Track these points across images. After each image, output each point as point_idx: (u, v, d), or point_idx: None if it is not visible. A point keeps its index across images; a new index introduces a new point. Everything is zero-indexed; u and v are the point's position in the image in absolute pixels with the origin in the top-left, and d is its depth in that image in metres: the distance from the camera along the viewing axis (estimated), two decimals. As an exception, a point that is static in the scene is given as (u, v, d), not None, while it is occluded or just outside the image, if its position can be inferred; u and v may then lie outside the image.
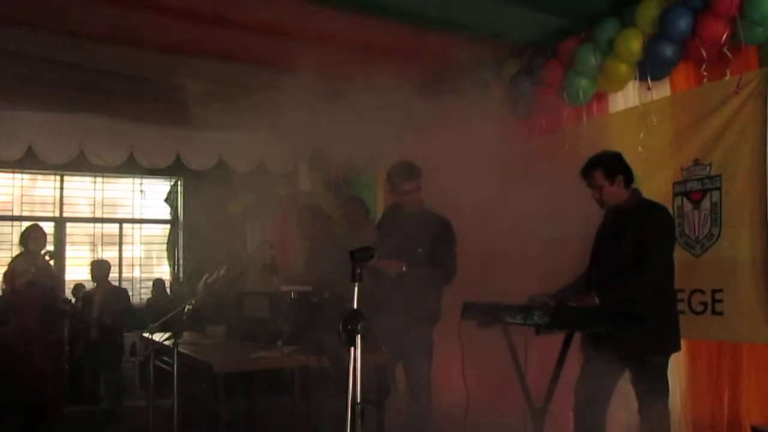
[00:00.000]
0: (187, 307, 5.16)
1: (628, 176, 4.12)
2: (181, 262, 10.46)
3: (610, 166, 4.09)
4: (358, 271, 2.32)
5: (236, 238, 9.39)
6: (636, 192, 4.16)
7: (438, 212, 5.04)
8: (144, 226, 10.88)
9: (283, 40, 5.18)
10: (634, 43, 4.50)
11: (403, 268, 4.54)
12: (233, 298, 5.02)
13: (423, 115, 5.59)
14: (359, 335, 2.22)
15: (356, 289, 2.30)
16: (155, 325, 5.10)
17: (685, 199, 4.51)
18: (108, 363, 7.86)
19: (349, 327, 2.21)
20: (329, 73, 5.27)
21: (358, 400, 2.24)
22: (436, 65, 5.30)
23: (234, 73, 5.91)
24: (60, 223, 10.22)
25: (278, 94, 5.05)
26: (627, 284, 3.89)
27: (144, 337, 5.28)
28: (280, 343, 4.36)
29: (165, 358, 4.75)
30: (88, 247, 10.50)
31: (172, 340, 4.31)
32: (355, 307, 2.27)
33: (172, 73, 5.58)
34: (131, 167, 8.20)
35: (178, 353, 4.32)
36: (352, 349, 2.22)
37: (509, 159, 5.40)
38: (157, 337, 5.04)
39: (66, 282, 9.67)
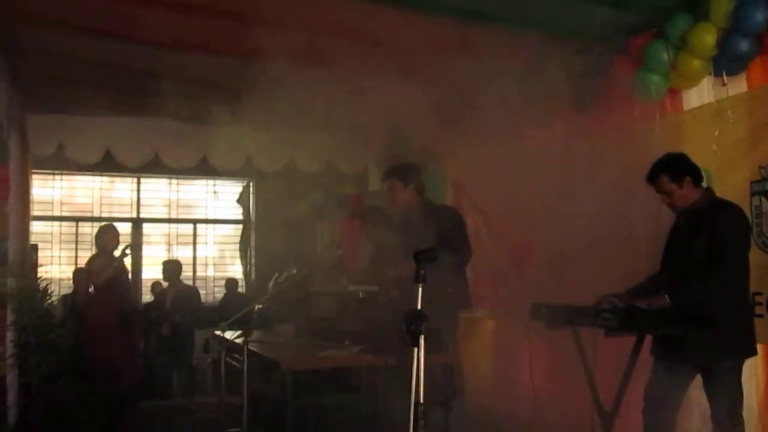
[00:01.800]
0: (257, 306, 5.27)
1: (697, 176, 4.01)
2: (253, 261, 10.66)
3: (675, 168, 3.99)
4: (422, 272, 2.33)
5: (306, 237, 9.52)
6: (708, 191, 4.05)
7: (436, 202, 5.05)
8: (217, 226, 11.14)
9: (354, 42, 5.22)
10: (707, 38, 4.37)
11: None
12: (302, 298, 5.09)
13: (490, 113, 5.57)
14: (422, 336, 2.23)
15: (420, 290, 2.31)
16: (226, 323, 5.22)
17: (763, 198, 4.35)
18: (179, 359, 8.09)
19: (413, 328, 2.23)
20: (403, 72, 5.34)
21: (421, 400, 2.25)
22: (505, 63, 5.24)
23: (306, 77, 5.99)
24: (137, 223, 10.56)
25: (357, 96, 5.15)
26: (699, 285, 3.78)
27: (216, 334, 5.40)
28: (347, 342, 4.40)
29: (236, 356, 4.85)
30: (163, 247, 10.82)
31: (243, 339, 4.41)
32: (419, 307, 2.28)
33: (242, 77, 5.70)
34: (204, 169, 8.40)
35: (248, 351, 4.42)
36: (415, 349, 2.24)
37: (579, 158, 5.34)
38: (229, 335, 5.17)
39: (143, 281, 10.00)
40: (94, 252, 7.14)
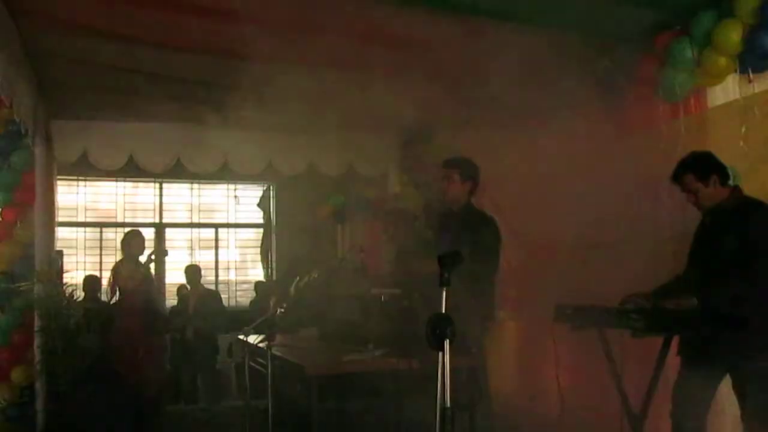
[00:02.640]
0: (279, 309, 5.28)
1: (723, 174, 3.95)
2: (274, 265, 10.68)
3: (701, 167, 3.93)
4: (446, 275, 2.31)
5: (327, 241, 9.53)
6: (736, 189, 3.98)
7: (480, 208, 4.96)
8: (239, 230, 11.18)
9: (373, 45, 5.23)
10: (733, 35, 4.32)
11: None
12: (325, 302, 5.08)
13: (514, 111, 5.55)
14: (447, 340, 2.21)
15: (444, 293, 2.29)
16: (250, 327, 5.23)
17: (791, 197, 4.28)
18: (203, 364, 8.12)
19: (437, 332, 2.21)
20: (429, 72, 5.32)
21: (447, 404, 2.23)
22: (529, 60, 5.22)
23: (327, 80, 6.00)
24: (160, 228, 10.62)
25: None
26: (731, 285, 3.72)
27: (240, 339, 5.41)
28: (371, 346, 4.39)
29: (260, 360, 4.85)
30: (186, 252, 10.88)
31: (266, 343, 4.41)
32: (443, 311, 2.26)
33: (268, 82, 5.74)
34: (226, 174, 8.43)
35: (272, 355, 4.42)
36: (441, 354, 2.21)
37: (604, 157, 5.29)
38: (252, 339, 5.18)
39: (166, 285, 10.06)
40: (119, 258, 7.21)
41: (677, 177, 4.01)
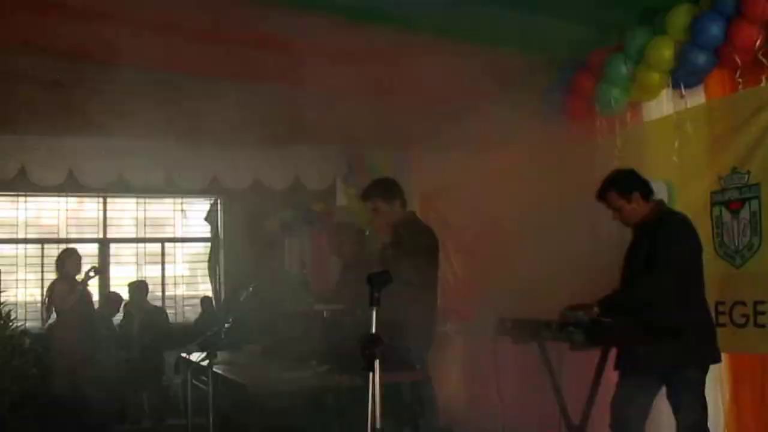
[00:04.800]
0: (225, 325, 5.23)
1: (646, 190, 4.05)
2: (222, 279, 10.55)
3: (622, 184, 4.04)
4: (376, 295, 2.30)
5: (275, 255, 9.45)
6: (659, 204, 4.09)
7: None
8: (186, 244, 11.02)
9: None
10: (665, 52, 4.42)
11: None
12: (268, 318, 5.04)
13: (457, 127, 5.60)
14: (377, 360, 2.20)
15: (374, 313, 2.28)
16: (193, 344, 5.17)
17: (723, 208, 4.39)
18: (148, 382, 7.97)
19: (367, 352, 2.20)
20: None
21: (378, 426, 2.22)
22: (469, 78, 5.28)
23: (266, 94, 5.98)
24: (104, 243, 10.40)
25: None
26: (628, 293, 3.82)
27: (183, 357, 5.33)
28: (314, 362, 4.36)
29: (203, 377, 4.78)
30: (133, 267, 10.66)
31: (208, 361, 4.35)
32: (373, 331, 2.25)
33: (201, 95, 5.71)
34: (172, 188, 8.34)
35: (215, 373, 4.36)
36: (371, 374, 2.20)
37: (543, 171, 5.37)
38: (195, 356, 5.11)
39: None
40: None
41: (602, 195, 4.10)
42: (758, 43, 3.94)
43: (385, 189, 4.81)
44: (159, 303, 9.94)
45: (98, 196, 10.18)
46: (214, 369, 4.40)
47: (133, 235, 10.70)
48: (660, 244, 3.83)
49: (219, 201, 10.65)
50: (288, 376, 4.22)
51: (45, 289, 7.12)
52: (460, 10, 4.55)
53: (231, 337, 5.39)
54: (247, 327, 5.38)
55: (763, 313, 4.10)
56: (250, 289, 5.38)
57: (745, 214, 4.25)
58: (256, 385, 4.08)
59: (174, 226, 10.92)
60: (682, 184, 4.48)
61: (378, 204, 4.76)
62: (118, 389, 7.88)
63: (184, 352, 5.29)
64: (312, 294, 4.87)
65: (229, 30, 4.80)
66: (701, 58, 4.25)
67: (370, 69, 5.36)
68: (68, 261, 6.63)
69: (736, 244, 4.28)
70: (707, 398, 3.90)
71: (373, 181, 4.94)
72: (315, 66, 5.25)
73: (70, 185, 7.82)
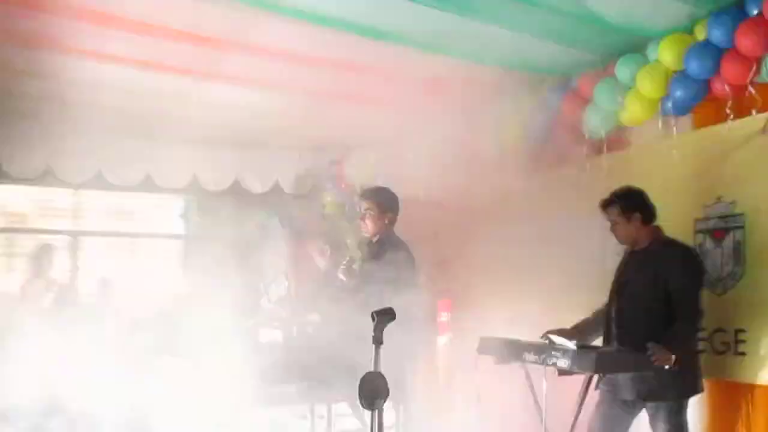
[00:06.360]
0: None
1: (648, 214, 4.09)
2: (197, 279, 10.40)
3: (627, 202, 4.08)
4: (379, 333, 2.26)
5: (253, 258, 9.34)
6: (657, 230, 4.12)
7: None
8: (158, 241, 10.86)
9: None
10: (656, 80, 4.45)
11: None
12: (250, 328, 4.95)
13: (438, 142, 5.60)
14: (381, 399, 2.17)
15: (378, 352, 2.25)
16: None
17: (707, 236, 4.45)
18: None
19: (369, 392, 2.16)
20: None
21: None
22: (456, 94, 5.28)
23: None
24: (75, 237, 10.22)
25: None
26: (681, 332, 3.85)
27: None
28: (295, 377, 4.31)
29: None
30: (103, 262, 10.49)
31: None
32: (375, 369, 2.22)
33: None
34: (147, 185, 8.24)
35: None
36: (372, 413, 2.18)
37: (526, 191, 5.39)
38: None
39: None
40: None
41: (605, 206, 4.12)
42: (749, 76, 3.97)
43: (382, 197, 4.75)
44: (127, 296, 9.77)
45: (73, 189, 10.00)
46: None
47: (106, 230, 10.53)
48: (687, 274, 3.91)
49: (194, 200, 10.51)
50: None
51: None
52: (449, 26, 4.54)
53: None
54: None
55: (743, 341, 4.18)
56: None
57: (728, 243, 4.31)
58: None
59: (148, 221, 10.76)
60: (667, 211, 4.50)
61: (371, 208, 4.71)
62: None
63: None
64: (293, 307, 4.79)
65: (207, 30, 4.73)
66: (692, 89, 4.28)
67: (351, 76, 5.36)
68: (44, 258, 6.49)
69: (719, 272, 4.33)
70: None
71: (377, 188, 4.87)
72: (299, 70, 5.24)
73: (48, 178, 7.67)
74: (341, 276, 4.57)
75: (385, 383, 2.18)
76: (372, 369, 2.22)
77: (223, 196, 8.46)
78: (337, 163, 8.02)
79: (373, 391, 2.16)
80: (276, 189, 8.29)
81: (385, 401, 2.19)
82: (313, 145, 7.88)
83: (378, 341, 2.25)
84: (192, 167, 7.81)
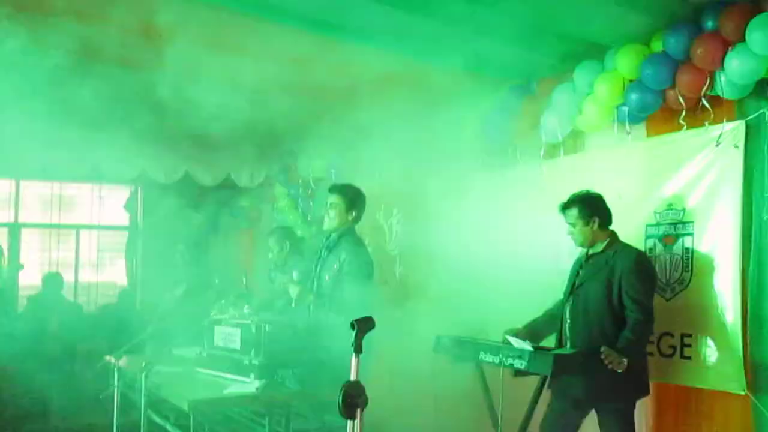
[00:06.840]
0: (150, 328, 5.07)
1: (605, 219, 4.18)
2: (139, 270, 10.23)
3: (588, 206, 4.16)
4: (359, 342, 2.26)
5: (200, 251, 9.22)
6: (613, 235, 4.22)
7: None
8: (102, 232, 10.63)
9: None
10: (614, 87, 4.55)
11: None
12: (204, 326, 4.87)
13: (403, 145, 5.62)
14: (360, 408, 2.18)
15: (357, 361, 2.25)
16: (121, 351, 4.99)
17: (657, 242, 4.57)
18: (62, 379, 7.60)
19: (349, 400, 2.16)
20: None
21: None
22: (417, 96, 5.31)
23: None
24: (15, 228, 9.92)
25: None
26: (634, 336, 3.92)
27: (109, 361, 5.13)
28: (252, 376, 4.28)
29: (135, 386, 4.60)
30: (45, 253, 10.22)
31: (143, 373, 4.19)
32: (354, 378, 2.22)
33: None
34: (93, 174, 8.06)
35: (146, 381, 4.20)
36: (351, 422, 2.18)
37: (485, 192, 5.45)
38: (123, 361, 4.94)
39: (20, 288, 9.41)
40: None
41: (564, 208, 4.20)
42: (704, 89, 4.10)
43: (350, 193, 4.67)
44: (71, 288, 9.56)
45: (12, 180, 9.70)
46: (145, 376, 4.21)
47: (47, 221, 10.26)
48: (640, 279, 4.00)
49: (140, 189, 10.32)
50: (226, 392, 4.12)
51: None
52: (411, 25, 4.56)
53: (160, 340, 5.24)
54: (181, 332, 5.22)
55: (689, 346, 4.32)
56: (179, 291, 5.22)
57: (678, 249, 4.44)
58: (192, 399, 3.93)
59: (90, 212, 10.52)
60: (619, 215, 4.60)
61: (338, 203, 4.66)
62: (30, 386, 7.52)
63: (112, 356, 5.10)
64: (251, 305, 4.73)
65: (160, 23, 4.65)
66: (648, 98, 4.39)
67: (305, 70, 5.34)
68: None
69: (668, 277, 4.46)
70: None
71: (347, 184, 4.81)
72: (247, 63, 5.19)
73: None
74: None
75: (364, 392, 2.19)
76: (351, 378, 2.23)
77: (173, 188, 8.32)
78: (290, 156, 7.98)
79: (353, 400, 2.16)
80: (227, 182, 8.18)
81: (363, 410, 2.20)
82: (265, 138, 7.80)
83: (358, 351, 2.26)
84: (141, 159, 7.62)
